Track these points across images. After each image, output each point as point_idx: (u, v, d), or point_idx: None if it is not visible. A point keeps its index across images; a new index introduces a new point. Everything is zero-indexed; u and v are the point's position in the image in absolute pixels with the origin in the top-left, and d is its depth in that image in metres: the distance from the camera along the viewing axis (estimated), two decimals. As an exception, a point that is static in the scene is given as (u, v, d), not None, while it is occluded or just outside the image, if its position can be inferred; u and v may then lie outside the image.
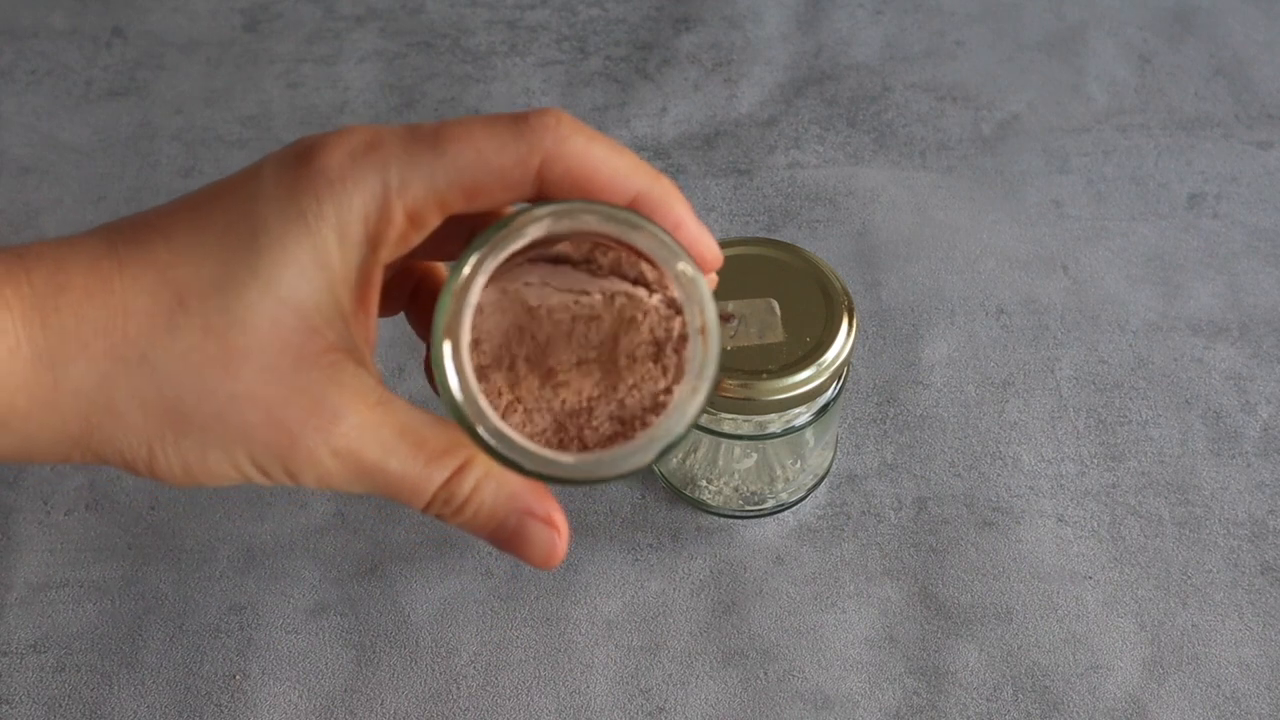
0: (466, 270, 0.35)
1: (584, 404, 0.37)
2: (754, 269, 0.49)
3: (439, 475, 0.36)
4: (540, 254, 0.37)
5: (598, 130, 0.37)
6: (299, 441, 0.35)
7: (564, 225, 0.36)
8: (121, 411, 0.34)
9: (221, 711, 0.48)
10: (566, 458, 0.36)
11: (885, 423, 0.55)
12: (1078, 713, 0.48)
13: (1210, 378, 0.56)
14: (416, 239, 0.37)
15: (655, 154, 0.63)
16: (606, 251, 0.37)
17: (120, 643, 0.49)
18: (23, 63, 0.66)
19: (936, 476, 0.53)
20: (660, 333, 0.37)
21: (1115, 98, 0.66)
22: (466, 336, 0.36)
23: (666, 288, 0.37)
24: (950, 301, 0.58)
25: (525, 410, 0.37)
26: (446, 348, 0.35)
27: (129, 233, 0.35)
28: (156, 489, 0.53)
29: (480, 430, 0.35)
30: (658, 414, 0.36)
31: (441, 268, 0.44)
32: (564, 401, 0.37)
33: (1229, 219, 0.61)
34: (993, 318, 0.58)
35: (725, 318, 0.47)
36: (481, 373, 0.36)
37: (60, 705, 0.48)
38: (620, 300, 0.37)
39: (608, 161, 0.36)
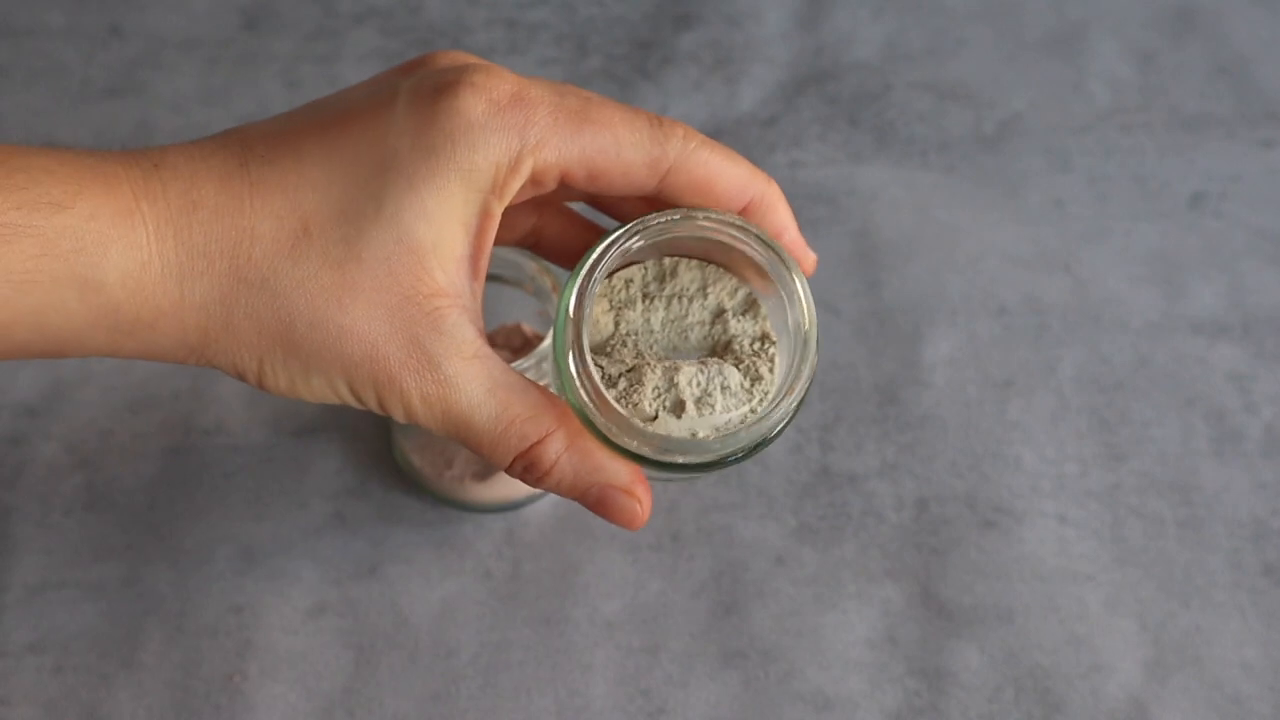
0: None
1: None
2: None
3: (520, 442, 0.38)
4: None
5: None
6: (395, 380, 0.37)
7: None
8: (238, 328, 0.36)
9: (220, 713, 0.47)
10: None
11: (886, 423, 0.55)
12: (1079, 714, 0.47)
13: (1212, 378, 0.56)
14: (530, 194, 0.38)
15: (655, 153, 0.63)
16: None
17: (118, 644, 0.49)
18: (20, 61, 0.66)
19: (937, 477, 0.53)
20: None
21: (1117, 96, 0.65)
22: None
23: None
24: (951, 301, 0.58)
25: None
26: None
27: (262, 150, 0.36)
28: (154, 489, 0.53)
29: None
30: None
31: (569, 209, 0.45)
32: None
33: (1231, 218, 0.61)
34: (994, 317, 0.58)
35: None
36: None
37: (58, 706, 0.48)
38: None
39: (728, 172, 0.39)
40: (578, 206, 0.45)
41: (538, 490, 0.52)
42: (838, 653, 0.49)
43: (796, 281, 0.38)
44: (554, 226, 0.44)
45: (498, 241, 0.45)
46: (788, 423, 0.38)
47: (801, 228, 0.60)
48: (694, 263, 0.40)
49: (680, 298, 0.39)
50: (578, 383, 0.37)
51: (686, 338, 0.39)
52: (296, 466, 0.53)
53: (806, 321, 0.37)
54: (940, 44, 0.68)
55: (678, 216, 0.38)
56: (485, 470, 0.51)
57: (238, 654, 0.49)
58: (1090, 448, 0.54)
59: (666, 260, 0.40)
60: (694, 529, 0.52)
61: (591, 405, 0.37)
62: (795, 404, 0.37)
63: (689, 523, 0.52)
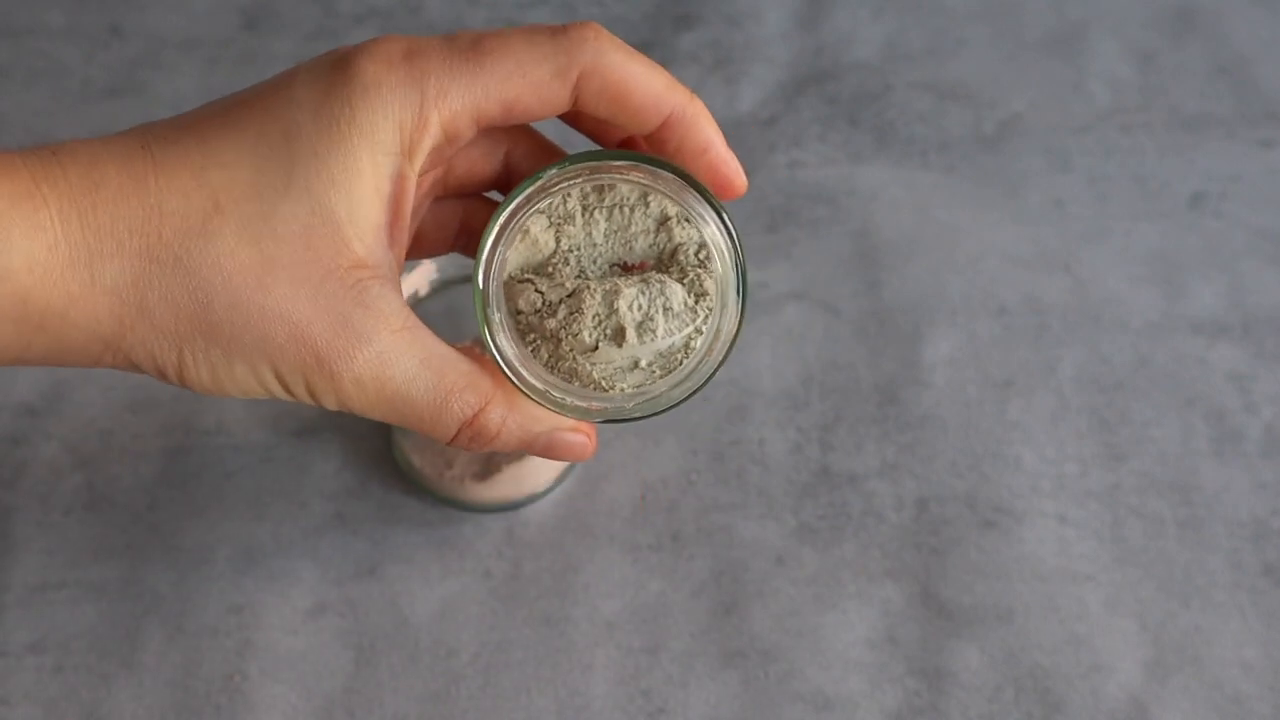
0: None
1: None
2: None
3: (461, 412, 0.37)
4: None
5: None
6: (324, 364, 0.35)
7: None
8: (154, 312, 0.35)
9: (220, 713, 0.47)
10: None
11: (886, 423, 0.55)
12: (1079, 714, 0.47)
13: (1212, 378, 0.56)
14: (450, 151, 0.37)
15: (655, 153, 0.63)
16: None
17: (118, 643, 0.49)
18: (20, 61, 0.66)
19: (937, 476, 0.53)
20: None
21: (1117, 96, 0.65)
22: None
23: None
24: (951, 301, 0.58)
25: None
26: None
27: (162, 132, 0.35)
28: (154, 489, 0.53)
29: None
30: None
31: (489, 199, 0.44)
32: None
33: (1231, 218, 0.61)
34: (994, 317, 0.58)
35: None
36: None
37: (58, 706, 0.48)
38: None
39: (644, 78, 0.37)
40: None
41: (538, 490, 0.52)
42: (838, 653, 0.49)
43: (712, 223, 0.37)
44: (481, 220, 0.43)
45: (432, 253, 0.44)
46: (711, 376, 0.38)
47: (801, 228, 0.61)
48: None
49: (621, 207, 0.38)
50: (501, 365, 0.37)
51: (631, 248, 0.38)
52: (296, 466, 0.53)
53: (725, 268, 0.37)
54: (940, 44, 0.68)
55: (580, 166, 0.37)
56: (485, 470, 0.51)
57: (238, 654, 0.49)
58: (1090, 448, 0.54)
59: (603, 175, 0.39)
60: (694, 529, 0.52)
61: (519, 385, 0.37)
62: (715, 365, 0.37)
63: (689, 523, 0.52)
